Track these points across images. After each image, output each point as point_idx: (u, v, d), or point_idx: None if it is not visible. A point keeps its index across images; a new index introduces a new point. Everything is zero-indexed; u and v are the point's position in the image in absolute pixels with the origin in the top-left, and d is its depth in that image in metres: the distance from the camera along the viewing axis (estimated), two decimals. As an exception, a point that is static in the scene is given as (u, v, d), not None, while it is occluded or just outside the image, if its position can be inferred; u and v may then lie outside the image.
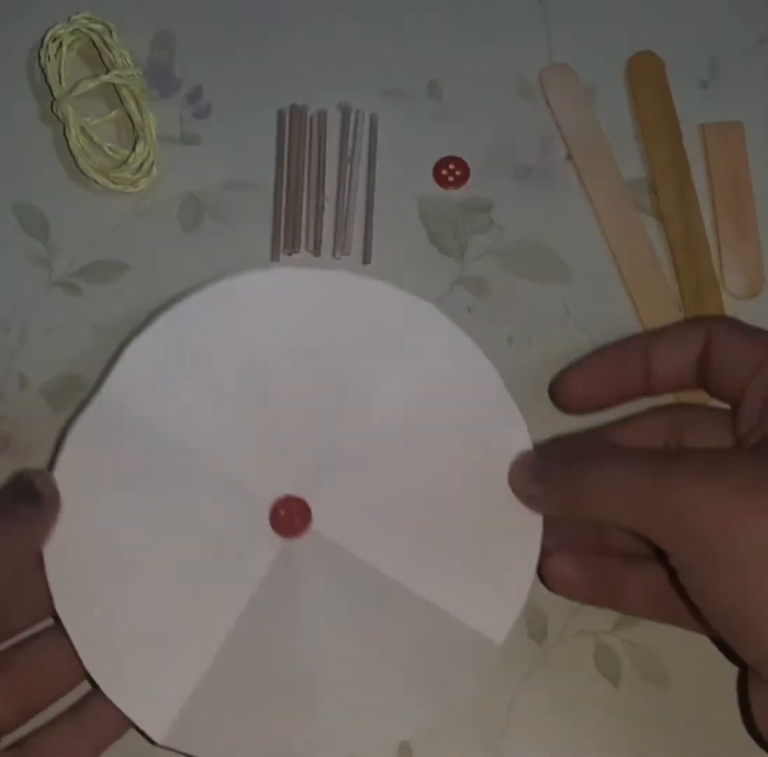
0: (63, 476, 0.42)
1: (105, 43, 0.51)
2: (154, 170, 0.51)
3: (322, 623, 0.42)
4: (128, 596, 0.42)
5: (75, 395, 0.48)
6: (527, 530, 0.42)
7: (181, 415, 0.43)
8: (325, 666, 0.42)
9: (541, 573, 0.43)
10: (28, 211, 0.51)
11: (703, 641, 0.43)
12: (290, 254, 0.50)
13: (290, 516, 0.42)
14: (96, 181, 0.50)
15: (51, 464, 0.43)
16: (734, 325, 0.42)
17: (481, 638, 0.42)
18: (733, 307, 0.49)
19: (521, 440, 0.43)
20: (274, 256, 0.50)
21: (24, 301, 0.50)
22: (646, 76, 0.52)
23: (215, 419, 0.43)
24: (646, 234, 0.50)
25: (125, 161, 0.50)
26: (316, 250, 0.50)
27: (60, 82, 0.51)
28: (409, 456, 0.43)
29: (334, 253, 0.50)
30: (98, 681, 0.41)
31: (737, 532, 0.35)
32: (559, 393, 0.44)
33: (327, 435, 0.43)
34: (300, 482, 0.43)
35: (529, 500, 0.42)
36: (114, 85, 0.51)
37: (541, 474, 0.41)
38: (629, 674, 0.44)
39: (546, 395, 0.47)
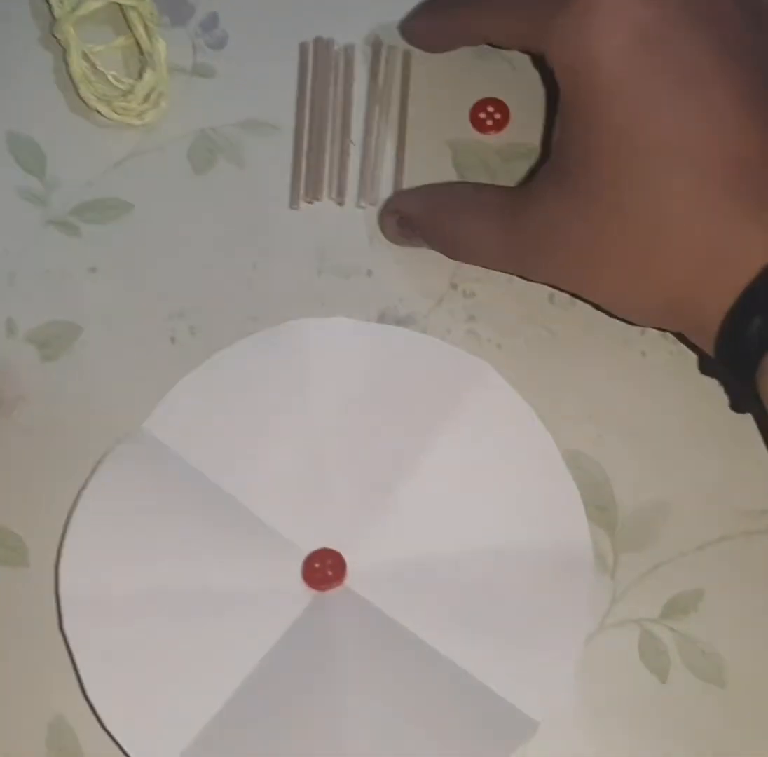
0: (92, 498, 0.41)
1: (113, -39, 0.47)
2: (163, 102, 0.46)
3: (348, 680, 0.39)
4: (145, 634, 0.39)
5: (67, 344, 0.44)
6: (573, 608, 0.39)
7: (223, 455, 0.41)
8: (349, 723, 0.38)
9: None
10: (23, 143, 0.46)
11: (764, 634, 0.38)
12: (311, 202, 0.46)
13: (324, 569, 0.40)
14: (98, 112, 0.46)
15: (83, 486, 0.41)
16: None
17: (519, 714, 0.38)
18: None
19: (579, 527, 0.40)
20: (294, 204, 0.45)
21: (16, 240, 0.45)
22: None
23: (258, 462, 0.41)
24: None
25: (131, 90, 0.46)
26: (340, 198, 0.46)
27: (61, 1, 0.46)
28: (458, 523, 0.40)
29: (358, 203, 0.46)
30: (104, 721, 0.39)
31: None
32: (406, 34, 0.46)
33: (375, 492, 0.41)
34: (339, 535, 0.41)
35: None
36: (121, 7, 0.46)
37: None
38: (679, 670, 0.39)
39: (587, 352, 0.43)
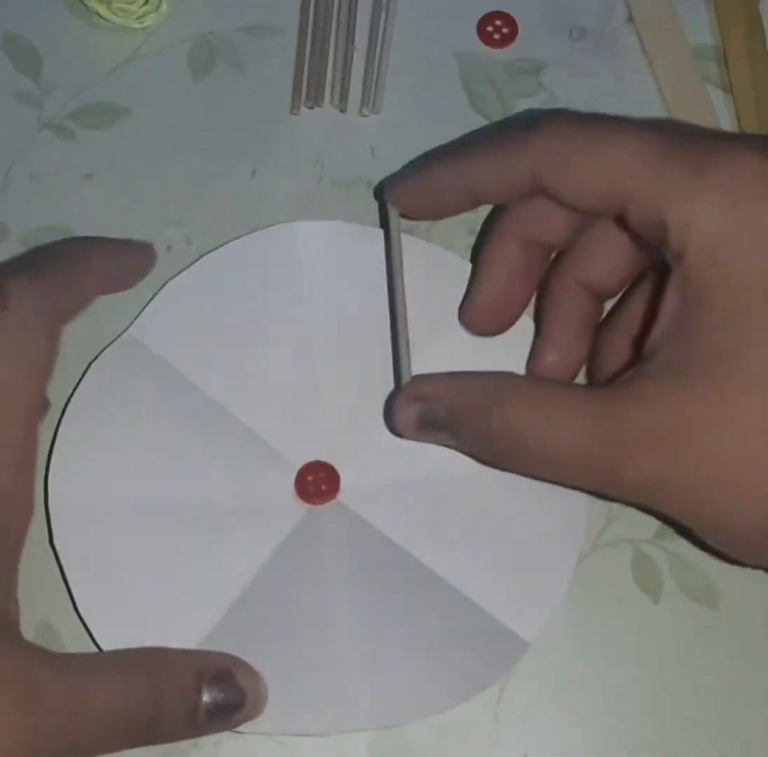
0: (80, 408, 0.39)
1: None
2: (164, 5, 0.45)
3: (343, 595, 0.38)
4: (136, 547, 0.38)
5: (61, 249, 0.43)
6: (569, 529, 0.38)
7: (213, 362, 0.40)
8: (345, 634, 0.38)
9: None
10: (19, 44, 0.45)
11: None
12: (312, 108, 0.45)
13: (318, 482, 0.39)
14: (97, 13, 0.45)
15: (70, 396, 0.39)
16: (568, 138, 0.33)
17: (510, 634, 0.38)
18: (808, 192, 0.43)
19: None
20: (294, 109, 0.44)
21: (10, 143, 0.44)
22: (723, -72, 0.46)
23: (250, 370, 0.40)
24: (714, 109, 0.45)
25: (131, -9, 0.44)
26: (343, 104, 0.45)
27: None
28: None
29: (361, 110, 0.45)
30: (97, 638, 0.37)
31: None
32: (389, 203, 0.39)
33: (371, 405, 0.40)
34: (333, 448, 0.40)
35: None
36: None
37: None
38: (672, 590, 0.39)
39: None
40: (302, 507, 0.39)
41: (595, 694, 0.38)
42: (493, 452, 0.34)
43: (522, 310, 0.39)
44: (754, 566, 0.35)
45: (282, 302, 0.41)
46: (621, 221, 0.33)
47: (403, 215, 0.40)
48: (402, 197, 0.39)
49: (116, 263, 0.39)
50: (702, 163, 0.30)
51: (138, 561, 0.38)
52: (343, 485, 0.39)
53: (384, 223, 0.41)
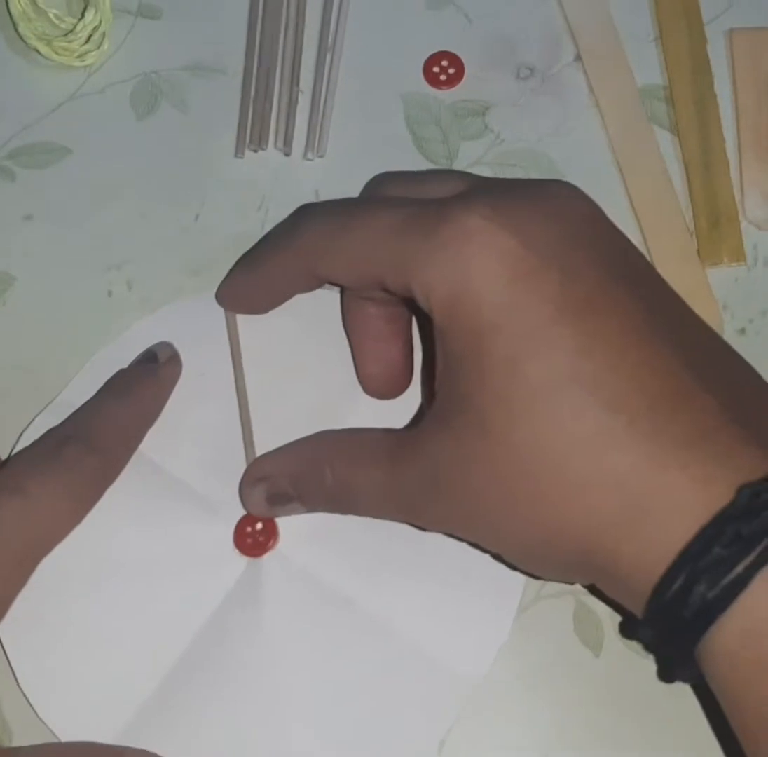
0: None
1: None
2: (106, 43, 0.45)
3: (285, 646, 0.38)
4: (75, 610, 0.38)
5: (2, 295, 0.42)
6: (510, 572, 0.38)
7: None
8: (288, 695, 0.38)
9: None
10: (-42, 82, 0.45)
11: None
12: (256, 151, 0.44)
13: (255, 534, 0.39)
14: (38, 51, 0.44)
15: (4, 463, 0.38)
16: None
17: (453, 680, 0.38)
18: (752, 238, 0.43)
19: None
20: (239, 152, 0.44)
21: (-53, 183, 0.44)
22: (670, -30, 0.46)
23: (183, 427, 0.40)
24: (659, 149, 0.44)
25: (72, 30, 0.44)
26: (287, 148, 0.44)
27: (2, -66, 0.44)
28: None
29: (305, 154, 0.44)
30: (33, 703, 0.37)
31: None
32: (223, 300, 0.41)
33: None
34: None
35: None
36: (64, -59, 0.45)
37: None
38: (612, 642, 0.39)
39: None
40: (242, 560, 0.39)
41: (536, 745, 0.38)
42: (336, 506, 0.37)
43: (409, 365, 0.40)
44: (559, 581, 0.37)
45: (212, 362, 0.40)
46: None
47: (240, 309, 0.41)
48: (227, 302, 0.41)
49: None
50: (431, 228, 0.33)
51: (77, 627, 0.38)
52: (281, 533, 0.39)
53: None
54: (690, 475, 0.30)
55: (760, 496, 0.29)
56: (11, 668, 0.37)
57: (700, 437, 0.31)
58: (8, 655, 0.38)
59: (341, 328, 0.41)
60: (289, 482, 0.37)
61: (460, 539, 0.36)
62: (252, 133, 0.44)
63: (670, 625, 0.30)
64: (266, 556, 0.39)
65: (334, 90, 0.45)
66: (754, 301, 0.43)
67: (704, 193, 0.44)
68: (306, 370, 0.41)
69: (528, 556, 0.34)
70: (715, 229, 0.43)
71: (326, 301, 0.41)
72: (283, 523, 0.39)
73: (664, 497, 0.30)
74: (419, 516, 0.35)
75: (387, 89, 0.45)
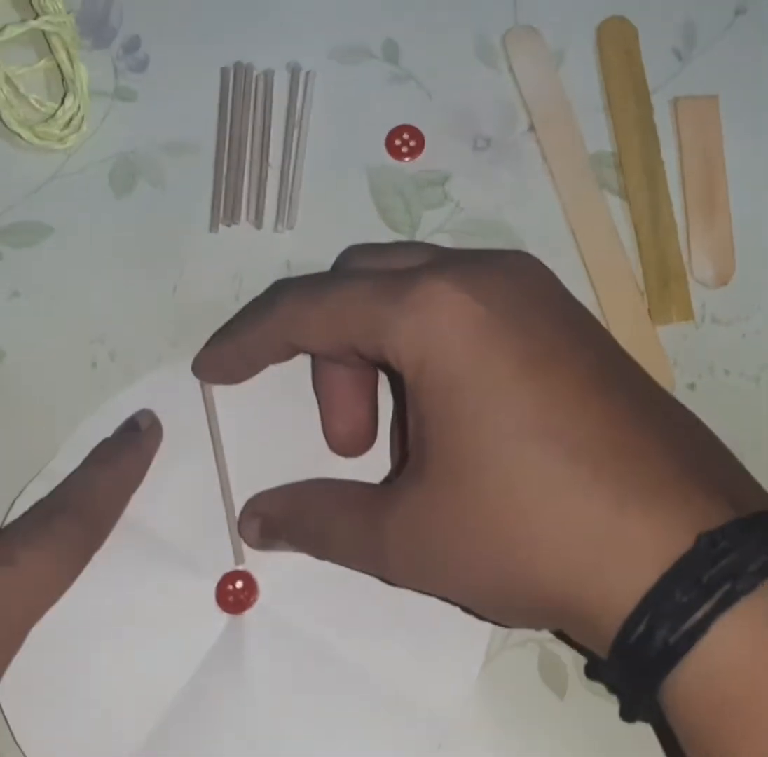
0: None
1: (35, -14, 0.47)
2: (85, 126, 0.47)
3: (268, 699, 0.40)
4: (64, 671, 0.40)
5: (-8, 369, 0.44)
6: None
7: None
8: (271, 745, 0.40)
9: None
10: (-56, 166, 0.47)
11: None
12: (229, 226, 0.47)
13: (236, 591, 0.41)
14: (20, 136, 0.46)
15: None
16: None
17: (428, 718, 0.40)
18: (700, 297, 0.46)
19: None
20: (213, 227, 0.46)
21: (-63, 263, 0.46)
22: (616, 44, 0.48)
23: (167, 492, 0.42)
24: (610, 214, 0.47)
25: (53, 115, 0.46)
26: (258, 223, 0.47)
27: (-17, 26, 0.47)
28: None
29: (276, 226, 0.47)
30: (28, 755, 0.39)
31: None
32: (199, 371, 0.43)
33: None
34: (249, 553, 0.41)
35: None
36: (43, 31, 0.47)
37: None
38: (576, 686, 0.41)
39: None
40: (224, 617, 0.41)
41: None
42: (315, 551, 0.39)
43: (374, 425, 0.42)
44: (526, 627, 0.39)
45: (192, 426, 0.43)
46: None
47: (215, 379, 0.43)
48: (203, 373, 0.43)
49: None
50: (399, 295, 0.35)
51: (69, 686, 0.40)
52: (261, 588, 0.41)
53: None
54: (651, 522, 0.32)
55: (717, 544, 0.31)
56: (10, 728, 0.40)
57: (660, 485, 0.33)
58: (6, 716, 0.40)
59: (312, 391, 0.43)
60: (278, 522, 0.40)
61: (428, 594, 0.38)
62: (225, 208, 0.47)
63: (633, 667, 0.32)
64: (247, 612, 0.41)
65: (301, 164, 0.47)
66: (702, 357, 0.45)
67: (654, 254, 0.46)
68: (280, 430, 0.43)
69: (495, 606, 0.35)
70: (665, 289, 0.46)
71: (298, 365, 0.43)
72: (262, 579, 0.41)
73: (627, 544, 0.32)
74: (392, 571, 0.37)
75: (352, 162, 0.48)
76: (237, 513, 0.42)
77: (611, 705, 0.40)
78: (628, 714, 0.35)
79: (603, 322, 0.43)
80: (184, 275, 0.46)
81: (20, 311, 0.45)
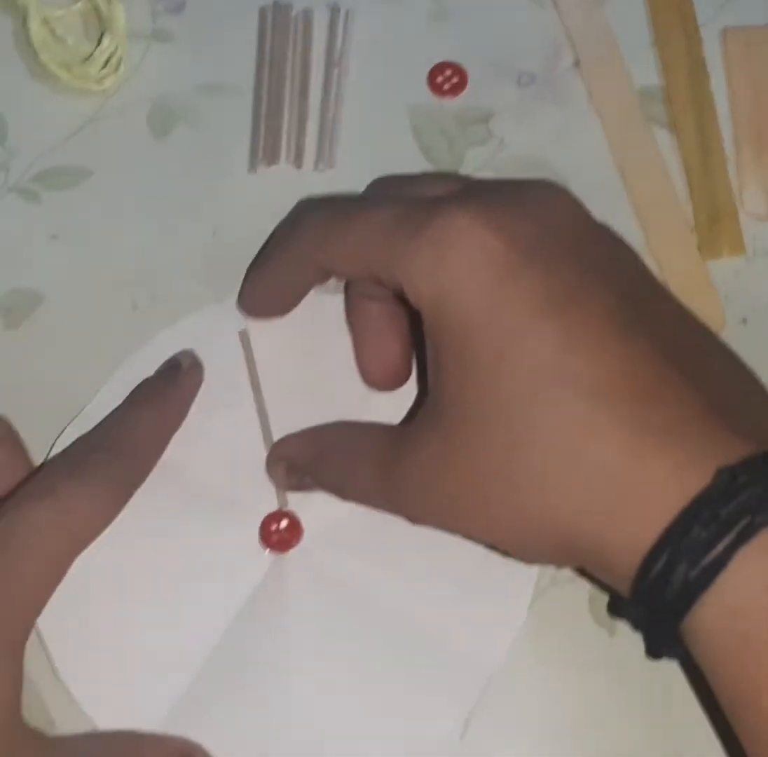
0: None
1: (71, -76, 0.47)
2: (122, 67, 0.47)
3: (312, 640, 0.40)
4: (109, 611, 0.40)
5: (29, 311, 0.44)
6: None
7: None
8: (313, 686, 0.39)
9: None
10: (-16, 109, 0.47)
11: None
12: (269, 166, 0.46)
13: (280, 530, 0.41)
14: (59, 78, 0.46)
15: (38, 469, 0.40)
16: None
17: (473, 667, 0.39)
18: (751, 230, 0.45)
19: None
20: (252, 168, 0.46)
21: (-24, 208, 0.45)
22: (663, -26, 0.47)
23: (207, 432, 0.41)
24: (658, 148, 0.46)
25: (90, 56, 0.46)
26: (298, 162, 0.46)
27: (21, -33, 0.46)
28: None
29: (316, 166, 0.46)
30: (76, 697, 0.39)
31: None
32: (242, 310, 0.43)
33: None
34: (293, 496, 0.41)
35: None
36: (80, -28, 0.47)
37: None
38: (626, 624, 0.40)
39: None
40: (268, 556, 0.40)
41: (555, 728, 0.39)
42: (337, 492, 0.39)
43: (407, 361, 0.41)
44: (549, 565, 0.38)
45: (232, 368, 0.42)
46: None
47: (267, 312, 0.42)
48: (248, 308, 0.43)
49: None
50: (419, 227, 0.34)
51: (112, 622, 0.40)
52: (306, 528, 0.41)
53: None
54: (670, 461, 0.31)
55: (737, 478, 0.30)
56: (52, 661, 0.39)
57: (680, 424, 0.32)
58: (48, 649, 0.39)
59: (348, 334, 0.42)
60: (302, 465, 0.40)
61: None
62: (264, 148, 0.46)
63: (655, 605, 0.32)
64: (291, 552, 0.41)
65: (341, 103, 0.47)
66: (754, 291, 0.44)
67: (704, 188, 0.45)
68: (317, 372, 0.42)
69: (515, 545, 0.35)
70: (715, 223, 0.44)
71: (332, 308, 0.42)
72: (306, 520, 0.41)
73: (645, 483, 0.31)
74: (411, 512, 0.37)
75: (393, 100, 0.47)
76: None
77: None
78: (653, 652, 0.34)
79: (651, 261, 0.42)
80: (224, 216, 0.45)
81: (59, 254, 0.45)
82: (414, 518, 0.37)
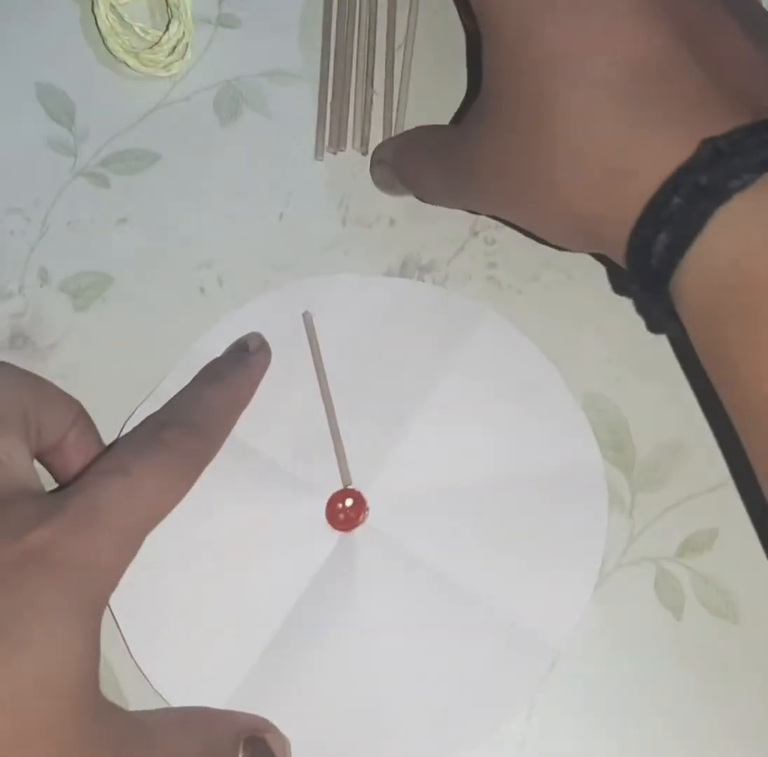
0: None
1: None
2: (189, 54, 0.47)
3: (379, 618, 0.40)
4: (179, 589, 0.41)
5: (98, 293, 0.45)
6: (590, 535, 0.40)
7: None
8: (379, 663, 0.40)
9: None
10: (53, 94, 0.47)
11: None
12: (335, 153, 0.46)
13: (346, 509, 0.41)
14: (126, 64, 0.47)
15: (109, 447, 0.41)
16: None
17: (540, 647, 0.40)
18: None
19: (589, 449, 0.42)
20: (318, 155, 0.46)
21: (46, 190, 0.46)
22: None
23: (274, 413, 0.42)
24: None
25: (157, 42, 0.46)
26: (364, 148, 0.46)
27: (90, -46, 0.47)
28: (471, 452, 0.42)
29: (382, 151, 0.46)
30: (145, 672, 0.40)
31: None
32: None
33: (387, 430, 0.42)
34: (358, 474, 0.42)
35: None
36: (148, -41, 0.47)
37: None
38: (693, 606, 0.40)
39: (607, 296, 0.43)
40: (334, 535, 0.41)
41: (621, 711, 0.40)
42: (414, 190, 0.42)
43: None
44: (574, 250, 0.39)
45: (298, 350, 0.43)
46: None
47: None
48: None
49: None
50: None
51: (183, 600, 0.40)
52: (371, 506, 0.41)
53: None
54: (664, 136, 0.32)
55: (720, 149, 0.31)
56: (124, 640, 0.40)
57: (680, 103, 0.33)
58: (121, 627, 0.40)
59: (412, 317, 0.43)
60: (392, 166, 0.43)
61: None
62: (330, 135, 0.46)
63: (643, 273, 0.33)
64: (357, 530, 0.41)
65: (407, 88, 0.47)
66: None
67: None
68: (379, 352, 0.43)
69: (538, 227, 0.37)
70: None
71: (399, 290, 0.43)
72: (371, 500, 0.41)
73: (637, 159, 0.32)
74: (467, 202, 0.40)
75: (459, 84, 0.47)
76: (342, 437, 0.42)
77: (730, 625, 0.40)
78: (654, 326, 0.36)
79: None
80: (290, 201, 0.46)
81: (127, 238, 0.45)
82: (471, 205, 0.40)
